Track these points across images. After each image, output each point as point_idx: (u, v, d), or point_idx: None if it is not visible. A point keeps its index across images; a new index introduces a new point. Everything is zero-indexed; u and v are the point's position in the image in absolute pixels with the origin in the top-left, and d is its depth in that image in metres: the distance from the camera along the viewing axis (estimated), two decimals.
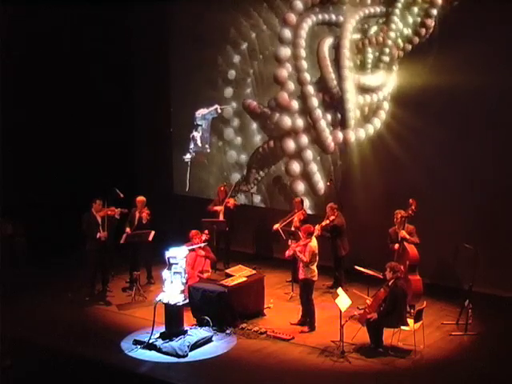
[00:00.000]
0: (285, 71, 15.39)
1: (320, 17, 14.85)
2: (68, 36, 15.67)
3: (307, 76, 15.13)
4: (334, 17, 14.67)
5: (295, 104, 15.33)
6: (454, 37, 13.22)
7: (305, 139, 15.32)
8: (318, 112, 15.04)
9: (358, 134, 14.66)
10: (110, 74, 16.43)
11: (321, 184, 15.26)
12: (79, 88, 15.89)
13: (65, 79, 15.66)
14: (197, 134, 16.78)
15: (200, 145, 16.82)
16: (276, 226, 13.78)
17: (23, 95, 15.08)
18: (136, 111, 17.52)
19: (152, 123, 17.43)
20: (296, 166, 15.51)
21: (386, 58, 14.11)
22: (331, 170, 15.04)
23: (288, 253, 12.32)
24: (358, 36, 14.43)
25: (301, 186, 15.48)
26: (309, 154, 15.32)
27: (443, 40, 13.41)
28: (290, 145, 15.51)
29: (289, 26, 15.19)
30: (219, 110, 16.42)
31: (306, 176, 15.41)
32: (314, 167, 15.32)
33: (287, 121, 15.46)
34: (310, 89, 15.11)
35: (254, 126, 16.11)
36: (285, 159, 15.67)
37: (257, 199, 16.09)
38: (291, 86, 15.33)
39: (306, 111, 15.21)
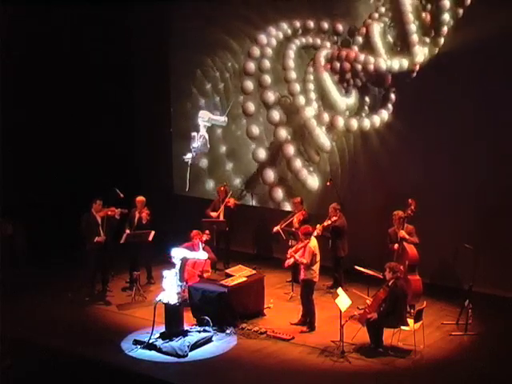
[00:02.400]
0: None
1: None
2: (68, 36, 15.67)
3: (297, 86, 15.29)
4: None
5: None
6: (451, 37, 13.26)
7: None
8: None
9: (356, 133, 14.67)
10: (110, 74, 16.42)
11: (315, 183, 15.28)
12: (79, 88, 15.89)
13: (65, 79, 15.66)
14: (198, 134, 16.75)
15: (201, 145, 16.79)
16: (276, 228, 13.83)
17: (23, 95, 15.08)
18: (136, 111, 17.51)
19: (152, 123, 17.42)
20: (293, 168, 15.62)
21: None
22: (330, 170, 15.04)
23: (287, 263, 12.21)
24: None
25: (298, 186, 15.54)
26: (304, 156, 15.40)
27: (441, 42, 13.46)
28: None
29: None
30: (226, 120, 16.39)
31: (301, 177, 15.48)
32: (306, 171, 15.42)
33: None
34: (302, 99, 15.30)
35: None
36: (284, 161, 15.73)
37: (256, 199, 16.08)
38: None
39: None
